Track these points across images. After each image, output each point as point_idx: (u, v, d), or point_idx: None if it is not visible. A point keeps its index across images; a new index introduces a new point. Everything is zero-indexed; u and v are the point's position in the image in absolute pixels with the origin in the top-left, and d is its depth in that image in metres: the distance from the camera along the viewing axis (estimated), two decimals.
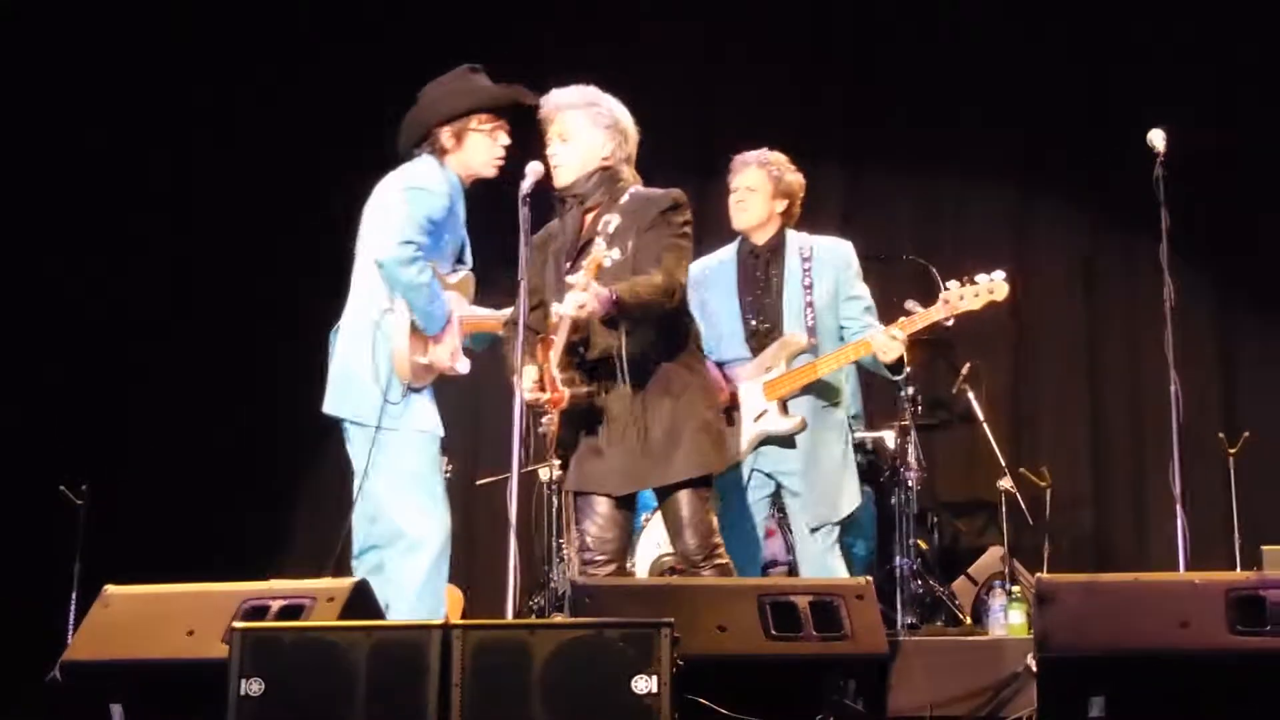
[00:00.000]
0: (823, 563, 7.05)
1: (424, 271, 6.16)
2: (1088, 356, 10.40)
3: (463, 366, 6.47)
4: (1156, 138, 6.87)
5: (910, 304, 9.16)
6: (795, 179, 7.33)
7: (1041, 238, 10.49)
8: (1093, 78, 10.46)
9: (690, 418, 6.17)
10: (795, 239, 7.32)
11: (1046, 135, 10.46)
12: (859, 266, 7.37)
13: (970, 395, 9.59)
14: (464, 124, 6.43)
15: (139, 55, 10.29)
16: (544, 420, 6.15)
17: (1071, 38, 10.54)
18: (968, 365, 9.60)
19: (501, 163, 6.49)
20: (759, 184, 7.26)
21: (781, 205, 7.30)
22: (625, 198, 6.27)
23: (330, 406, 6.40)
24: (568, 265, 6.24)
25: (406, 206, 6.24)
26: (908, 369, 7.25)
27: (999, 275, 6.94)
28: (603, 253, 5.91)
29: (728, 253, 7.41)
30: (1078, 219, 10.53)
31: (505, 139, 6.50)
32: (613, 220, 6.12)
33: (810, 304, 7.16)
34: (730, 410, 7.06)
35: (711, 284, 7.28)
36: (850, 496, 7.22)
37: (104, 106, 10.20)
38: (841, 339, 7.24)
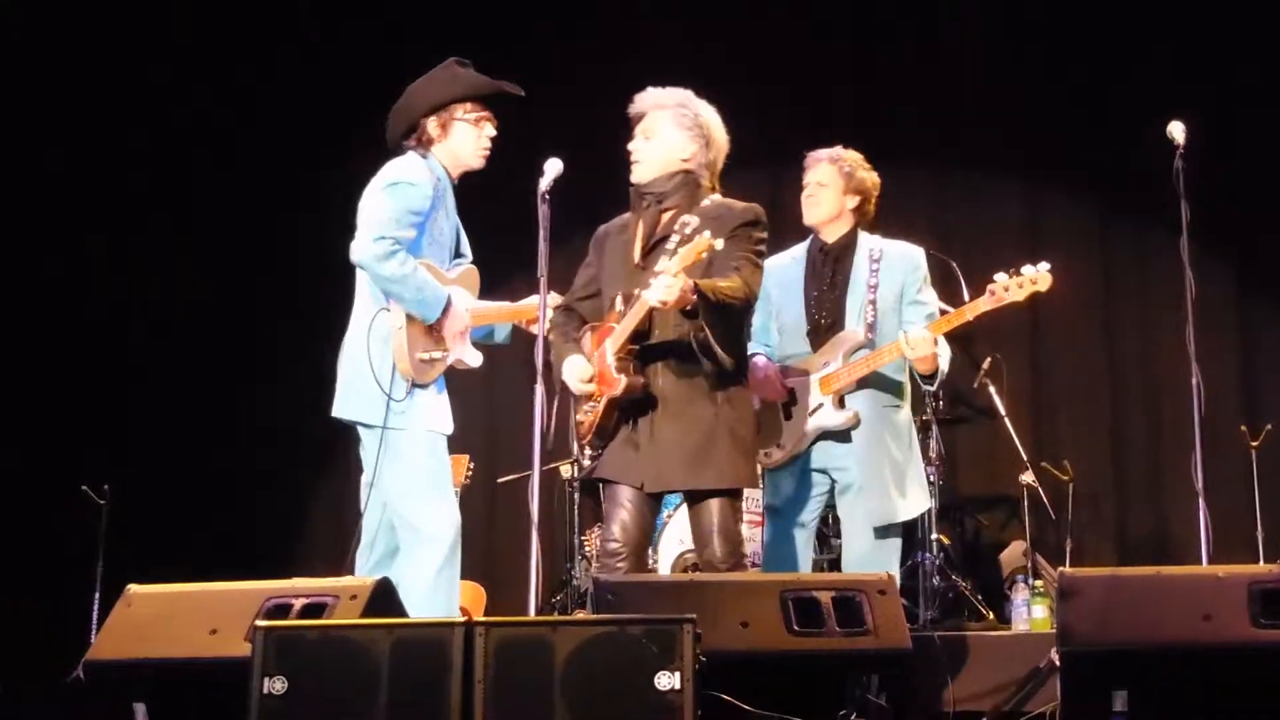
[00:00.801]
0: (872, 564, 6.82)
1: (405, 263, 6.16)
2: (1108, 350, 10.37)
3: (473, 360, 6.47)
4: (1176, 130, 6.86)
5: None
6: (868, 176, 7.29)
7: (1060, 231, 10.44)
8: (1111, 68, 10.42)
9: (728, 428, 6.24)
10: (867, 240, 7.28)
11: (1064, 127, 10.42)
12: (928, 273, 7.31)
13: (991, 389, 9.58)
14: (449, 114, 6.45)
15: (139, 50, 10.31)
16: (586, 407, 6.17)
17: (1088, 29, 10.49)
18: (989, 360, 9.59)
19: (488, 153, 6.53)
20: (830, 179, 7.22)
21: (853, 201, 7.24)
22: (706, 202, 6.33)
23: (338, 410, 6.41)
24: (640, 260, 6.28)
25: (381, 203, 6.26)
26: (943, 373, 7.20)
27: (1044, 266, 6.89)
28: (708, 239, 5.91)
29: (799, 250, 7.37)
30: (1097, 212, 10.50)
31: (491, 130, 6.52)
32: (691, 222, 6.13)
33: (873, 303, 7.11)
34: (789, 405, 7.07)
35: (779, 280, 7.25)
36: (913, 501, 7.11)
37: (105, 104, 10.23)
38: None
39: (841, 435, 7.05)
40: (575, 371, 6.30)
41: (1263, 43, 10.14)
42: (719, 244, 5.93)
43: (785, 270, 7.29)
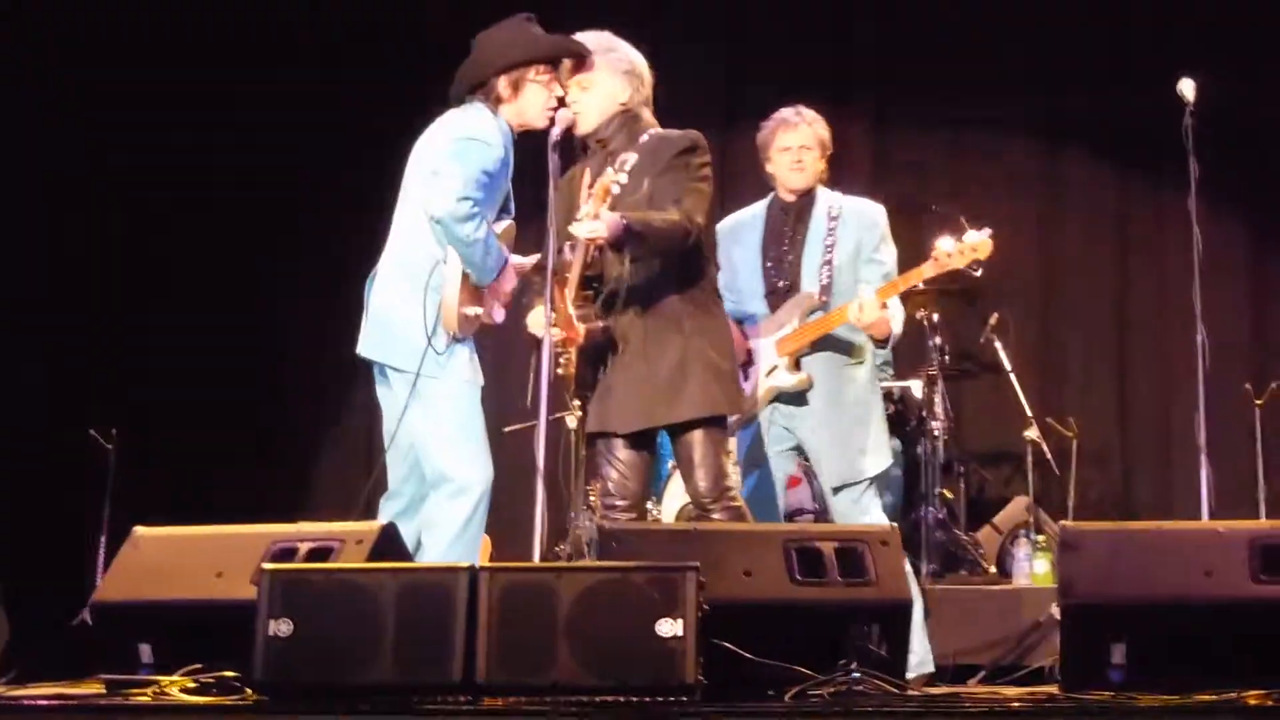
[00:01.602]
0: (852, 521, 6.94)
1: (480, 227, 6.11)
2: (1115, 307, 10.37)
3: (499, 316, 6.48)
4: (1186, 87, 6.88)
5: None
6: (829, 134, 7.33)
7: (1069, 187, 10.46)
8: (1123, 25, 10.41)
9: (699, 357, 6.27)
10: (826, 197, 7.28)
11: (1075, 84, 10.41)
12: (887, 230, 7.29)
13: (998, 345, 9.59)
14: (522, 74, 6.38)
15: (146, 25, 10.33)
16: (561, 361, 6.20)
17: None
18: (995, 315, 9.59)
19: (554, 113, 6.43)
20: (814, 143, 7.21)
21: (823, 163, 7.29)
22: (645, 137, 6.36)
23: (370, 350, 6.38)
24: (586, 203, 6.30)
25: (461, 160, 6.17)
26: (895, 335, 7.20)
27: (984, 233, 6.90)
28: (610, 178, 5.98)
29: (760, 207, 7.37)
30: (1106, 169, 10.48)
31: (560, 90, 6.46)
32: (630, 158, 6.20)
33: (829, 262, 7.12)
34: (746, 365, 7.09)
35: (738, 240, 7.26)
36: (875, 457, 7.11)
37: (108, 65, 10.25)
38: None
39: (798, 397, 7.09)
40: (535, 321, 6.31)
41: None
42: (615, 187, 5.99)
43: (743, 230, 7.30)
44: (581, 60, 6.42)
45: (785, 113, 7.29)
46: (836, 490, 7.03)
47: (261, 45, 10.57)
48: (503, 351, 9.95)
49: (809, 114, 7.27)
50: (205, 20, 10.38)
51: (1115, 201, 10.44)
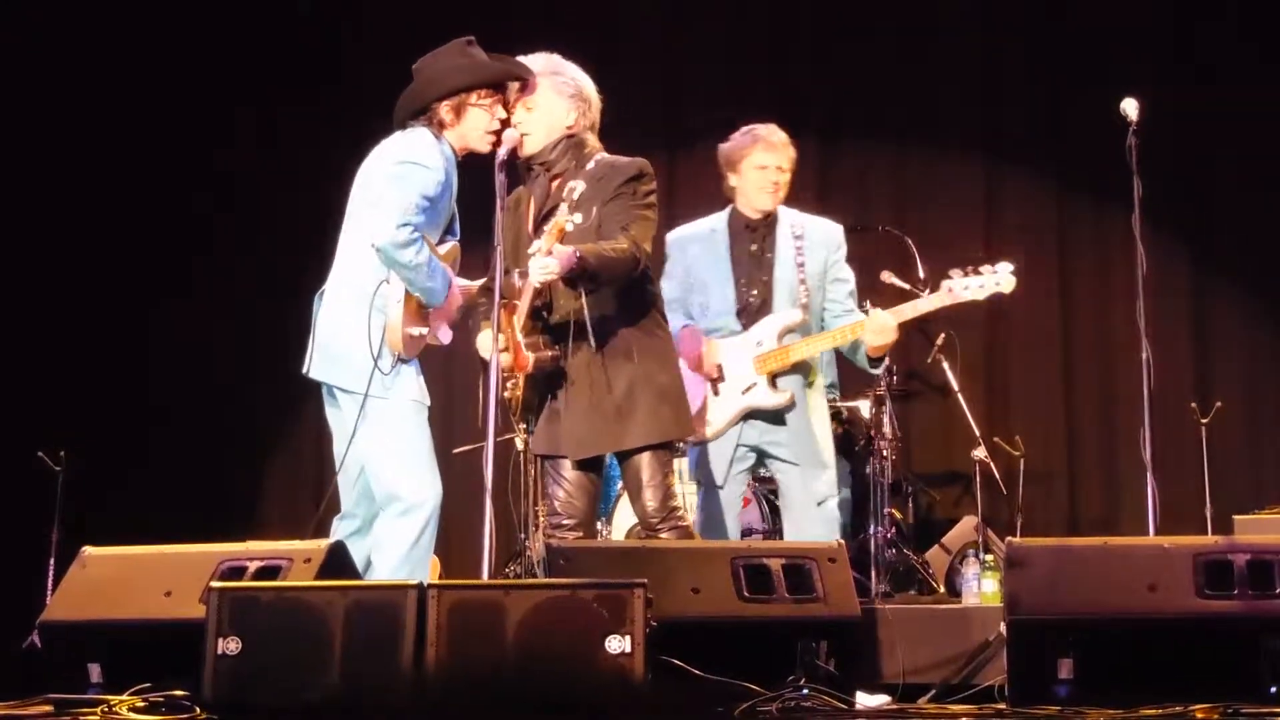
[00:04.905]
0: (830, 536, 6.89)
1: (421, 251, 6.11)
2: (1061, 326, 10.40)
3: (445, 337, 6.49)
4: (1129, 107, 6.91)
5: (886, 275, 9.22)
6: None
7: (1012, 207, 10.50)
8: (1065, 44, 10.47)
9: (648, 383, 6.32)
10: (787, 215, 7.31)
11: (1017, 103, 10.50)
12: (846, 249, 7.38)
13: (945, 365, 9.61)
14: (464, 98, 6.40)
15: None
16: (509, 385, 6.23)
17: (1042, 6, 10.56)
18: (942, 335, 9.60)
19: (495, 137, 6.45)
20: (789, 165, 7.25)
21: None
22: (591, 164, 6.38)
23: (317, 372, 6.38)
24: (533, 231, 6.34)
25: (400, 186, 6.18)
26: (886, 360, 7.28)
27: (1007, 268, 6.97)
28: (565, 218, 6.02)
29: (718, 221, 7.37)
30: (1049, 188, 10.52)
31: (502, 113, 6.47)
32: (578, 187, 6.18)
33: (803, 281, 7.16)
34: (716, 382, 7.12)
35: (700, 252, 7.28)
36: (833, 473, 7.26)
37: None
38: (823, 321, 7.26)
39: (774, 415, 7.13)
40: (485, 345, 6.36)
41: (1214, 20, 10.20)
42: (569, 226, 6.02)
43: (704, 244, 7.31)
44: (526, 82, 6.46)
45: (762, 130, 7.28)
46: (821, 503, 7.09)
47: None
48: (452, 373, 10.00)
49: (783, 135, 7.29)
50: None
51: (1059, 221, 10.47)
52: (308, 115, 10.21)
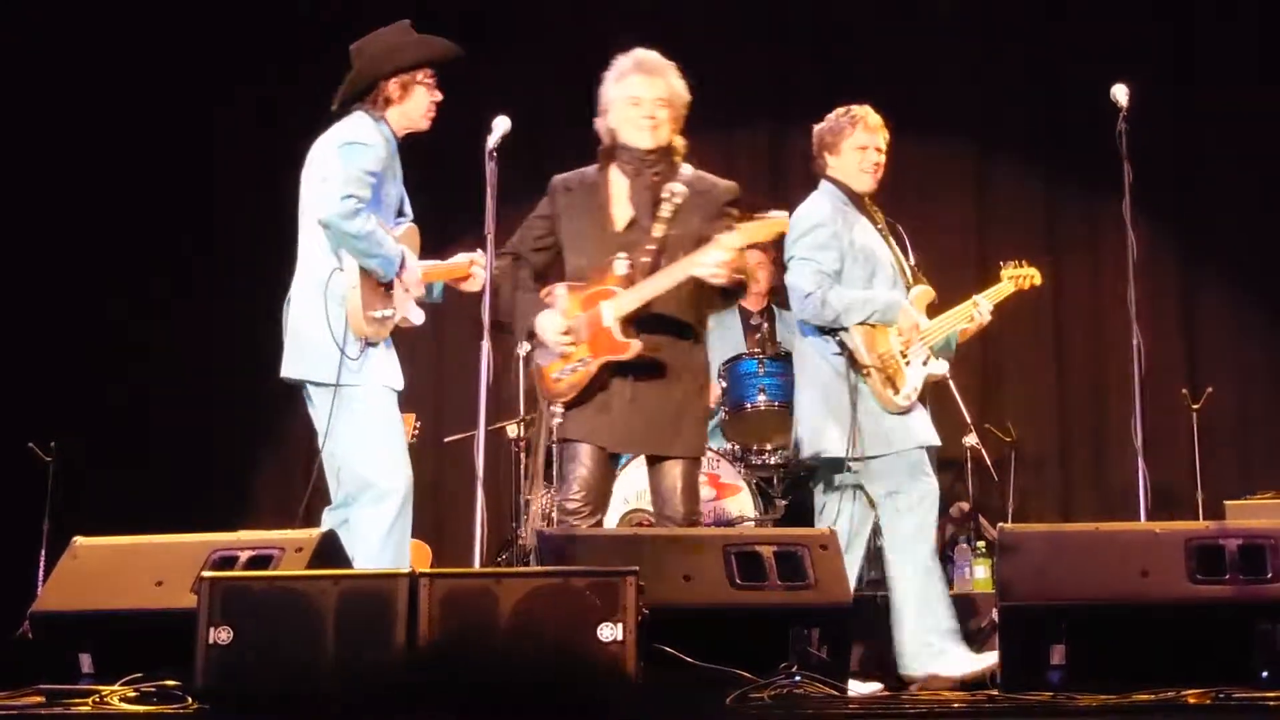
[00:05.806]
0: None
1: (368, 220, 6.22)
2: (1052, 313, 10.41)
3: (417, 318, 6.50)
4: (1119, 93, 6.90)
5: None
6: None
7: (1004, 193, 10.52)
8: (1056, 30, 10.47)
9: (696, 402, 6.42)
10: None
11: (1008, 90, 10.50)
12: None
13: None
14: (412, 76, 6.50)
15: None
16: (570, 366, 6.20)
17: None
18: None
19: (434, 115, 6.57)
20: (885, 145, 7.28)
21: None
22: (687, 172, 6.41)
23: (288, 371, 6.44)
24: (624, 226, 6.35)
25: (343, 161, 6.31)
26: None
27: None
28: (779, 222, 6.22)
29: (837, 199, 7.24)
30: (1040, 174, 10.54)
31: (439, 94, 6.57)
32: (678, 193, 6.26)
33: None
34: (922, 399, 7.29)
35: (861, 233, 7.22)
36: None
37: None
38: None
39: None
40: (554, 326, 6.31)
41: (1205, 8, 10.21)
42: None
43: (848, 220, 7.20)
44: (462, 61, 6.55)
45: (859, 111, 7.25)
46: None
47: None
48: (442, 360, 10.01)
49: (878, 118, 7.28)
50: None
51: (1049, 207, 10.49)
52: (308, 113, 10.18)
